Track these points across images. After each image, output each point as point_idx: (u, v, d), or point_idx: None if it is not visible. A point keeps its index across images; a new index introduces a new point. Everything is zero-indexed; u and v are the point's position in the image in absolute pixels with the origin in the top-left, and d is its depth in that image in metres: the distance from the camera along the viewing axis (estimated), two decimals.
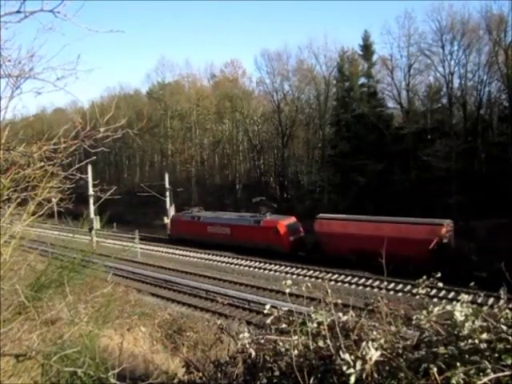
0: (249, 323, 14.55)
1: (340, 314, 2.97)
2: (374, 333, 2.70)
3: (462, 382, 2.10)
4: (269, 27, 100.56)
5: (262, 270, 26.88)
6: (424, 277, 3.12)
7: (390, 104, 44.57)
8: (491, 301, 17.35)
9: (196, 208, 37.06)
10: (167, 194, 39.57)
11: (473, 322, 2.48)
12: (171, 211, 38.87)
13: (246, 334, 3.14)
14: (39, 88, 3.58)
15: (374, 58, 44.16)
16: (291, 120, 49.62)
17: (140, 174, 63.85)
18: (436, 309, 2.76)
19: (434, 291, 16.58)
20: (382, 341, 2.54)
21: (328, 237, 26.55)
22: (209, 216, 34.74)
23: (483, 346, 2.29)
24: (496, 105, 40.85)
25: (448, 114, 39.41)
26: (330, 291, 3.29)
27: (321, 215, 29.13)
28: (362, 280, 23.06)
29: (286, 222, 29.51)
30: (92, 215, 29.02)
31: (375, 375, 2.31)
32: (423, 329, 2.70)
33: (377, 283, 22.18)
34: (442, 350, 2.31)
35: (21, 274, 4.67)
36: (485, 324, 2.47)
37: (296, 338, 2.82)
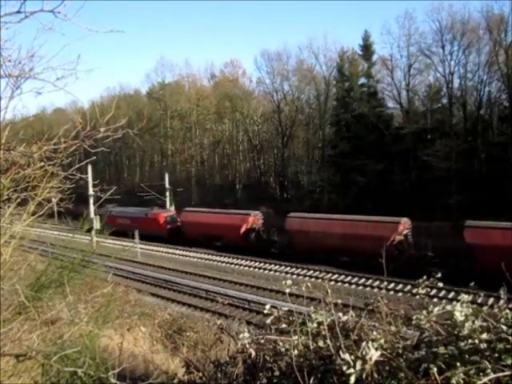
0: (249, 323, 14.54)
1: (340, 314, 2.96)
2: (374, 333, 2.69)
3: (461, 382, 2.10)
4: (269, 27, 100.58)
5: (261, 270, 26.89)
6: (424, 277, 3.12)
7: (390, 104, 44.65)
8: (491, 301, 17.35)
9: (111, 204, 42.67)
10: (167, 193, 39.79)
11: (473, 322, 2.48)
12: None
13: (246, 334, 3.14)
14: (39, 88, 3.58)
15: (374, 57, 44.21)
16: (291, 120, 49.63)
17: (140, 174, 63.85)
18: (436, 309, 2.76)
19: (434, 291, 16.57)
20: (382, 341, 2.54)
21: (187, 225, 35.51)
22: (118, 210, 42.44)
23: (483, 345, 2.29)
24: (496, 105, 40.85)
25: (448, 114, 39.41)
26: (329, 291, 3.29)
27: (185, 209, 37.77)
28: (362, 280, 23.06)
29: (165, 214, 37.94)
30: (92, 215, 29.01)
31: (375, 375, 2.31)
32: (423, 329, 2.70)
33: (377, 283, 22.17)
34: (441, 349, 2.31)
35: (21, 274, 4.67)
36: (485, 324, 2.47)
37: (296, 337, 2.82)
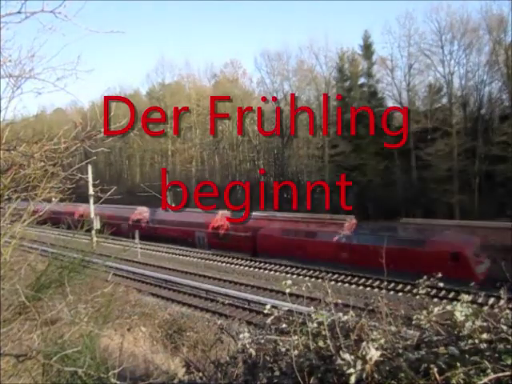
0: (249, 323, 14.57)
1: (340, 314, 2.96)
2: (374, 333, 2.69)
3: (462, 382, 2.10)
4: (269, 27, 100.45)
5: (262, 270, 26.87)
6: (424, 277, 3.12)
7: (390, 104, 44.64)
8: (491, 301, 17.34)
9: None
10: (167, 194, 39.84)
11: (473, 322, 2.48)
12: None
13: (246, 334, 3.14)
14: (39, 88, 3.60)
15: (374, 57, 44.24)
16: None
17: (140, 174, 63.85)
18: (436, 309, 2.76)
19: (434, 291, 16.55)
20: (382, 341, 2.54)
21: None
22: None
23: (483, 346, 2.29)
24: (497, 104, 40.85)
25: (448, 114, 39.42)
26: (330, 291, 3.29)
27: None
28: (362, 280, 23.02)
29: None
30: (92, 215, 29.00)
31: (375, 375, 2.31)
32: (423, 329, 2.70)
33: (377, 283, 22.15)
34: (442, 350, 2.31)
35: (21, 274, 4.67)
36: (485, 324, 2.47)
37: (296, 337, 2.82)
